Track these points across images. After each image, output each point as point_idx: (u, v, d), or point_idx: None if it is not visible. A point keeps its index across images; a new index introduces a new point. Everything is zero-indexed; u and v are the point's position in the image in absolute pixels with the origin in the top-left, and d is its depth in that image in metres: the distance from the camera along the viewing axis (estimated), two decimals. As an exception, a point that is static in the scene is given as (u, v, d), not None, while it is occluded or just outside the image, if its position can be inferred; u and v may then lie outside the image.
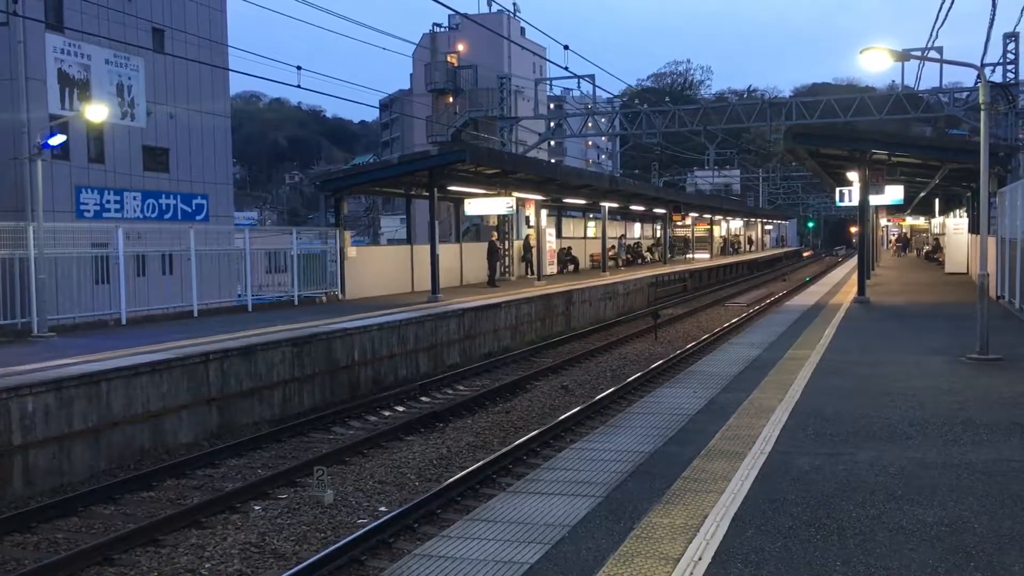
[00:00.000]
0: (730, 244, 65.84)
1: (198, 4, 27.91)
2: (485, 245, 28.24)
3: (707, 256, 54.60)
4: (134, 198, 25.49)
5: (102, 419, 10.61)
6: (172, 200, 26.90)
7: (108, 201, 24.61)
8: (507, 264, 31.11)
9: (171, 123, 27.08)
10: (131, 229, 19.40)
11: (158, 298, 18.57)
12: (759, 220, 77.10)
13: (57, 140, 15.51)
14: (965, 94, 33.05)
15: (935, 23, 62.26)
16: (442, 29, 69.46)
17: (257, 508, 9.13)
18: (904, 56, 15.13)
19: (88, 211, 23.84)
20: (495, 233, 29.54)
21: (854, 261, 43.12)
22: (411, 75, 73.74)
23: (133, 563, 7.69)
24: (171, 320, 17.39)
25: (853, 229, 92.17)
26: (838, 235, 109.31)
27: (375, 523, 8.13)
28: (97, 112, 17.25)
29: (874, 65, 14.02)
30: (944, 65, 32.48)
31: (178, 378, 11.76)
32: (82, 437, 10.34)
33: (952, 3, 29.05)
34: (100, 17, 23.72)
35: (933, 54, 27.78)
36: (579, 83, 41.29)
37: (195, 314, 17.97)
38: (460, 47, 64.53)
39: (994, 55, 65.38)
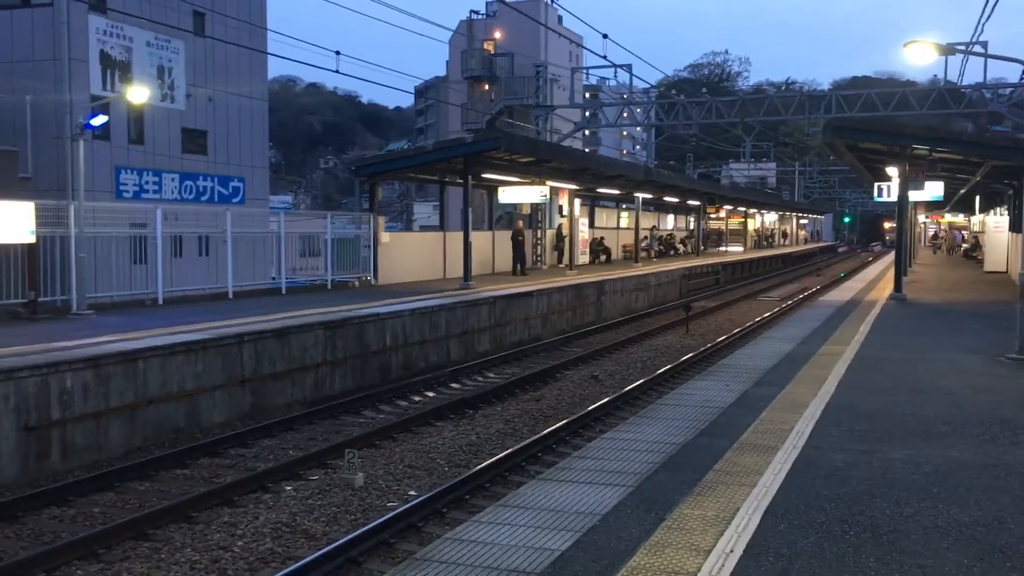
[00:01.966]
0: (764, 238, 65.27)
1: (238, -12, 28.07)
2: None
3: (741, 249, 54.19)
4: (172, 180, 25.76)
5: (138, 397, 10.77)
6: (209, 182, 27.14)
7: (147, 182, 24.89)
8: (539, 253, 31.08)
9: (210, 106, 27.29)
10: (169, 210, 19.61)
11: (194, 279, 18.78)
12: (794, 214, 76.35)
13: (99, 121, 15.69)
14: (1009, 90, 32.43)
15: (981, 16, 60.91)
16: (479, 16, 69.34)
17: (289, 488, 9.23)
18: (948, 50, 14.91)
19: (127, 191, 24.13)
20: (520, 222, 29.44)
21: (889, 257, 42.63)
22: (447, 62, 73.73)
23: (167, 539, 7.80)
24: (206, 301, 17.58)
25: (887, 225, 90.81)
26: (874, 231, 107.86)
27: (405, 506, 8.19)
28: (138, 94, 17.45)
29: (918, 59, 13.83)
30: (989, 59, 31.85)
31: (213, 358, 11.90)
32: (119, 414, 10.51)
33: (999, -4, 28.47)
34: (142, -1, 23.96)
35: (978, 48, 27.24)
36: (616, 72, 40.98)
37: (230, 296, 18.16)
38: (497, 34, 64.37)
39: (1040, 50, 64.03)
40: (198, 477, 9.73)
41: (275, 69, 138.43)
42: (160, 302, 16.68)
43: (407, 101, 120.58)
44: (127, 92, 17.37)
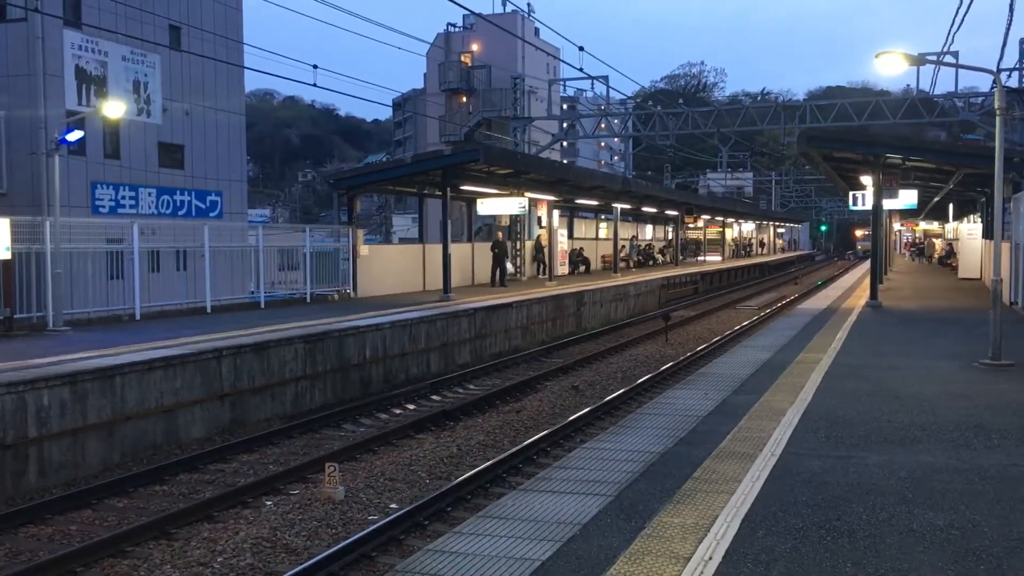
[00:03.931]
0: (742, 247, 65.70)
1: (215, 1, 28.04)
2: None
3: (719, 258, 54.49)
4: (149, 194, 25.63)
5: (116, 413, 10.70)
6: (187, 197, 27.03)
7: (123, 197, 24.75)
8: (519, 264, 31.14)
9: (186, 120, 27.21)
10: (146, 225, 19.51)
11: (172, 294, 18.68)
12: (771, 223, 76.91)
13: (74, 136, 15.61)
14: (980, 99, 32.91)
15: (951, 27, 61.95)
16: (456, 29, 69.51)
17: (269, 503, 9.19)
18: (919, 60, 15.10)
19: (103, 207, 23.98)
20: (500, 233, 29.47)
21: (865, 266, 42.99)
22: (425, 74, 73.81)
23: (146, 556, 7.75)
24: (184, 316, 17.49)
25: (858, 233, 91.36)
26: (851, 239, 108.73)
27: (386, 520, 8.18)
28: (114, 108, 17.37)
29: (889, 69, 14.01)
30: (960, 70, 32.38)
31: (191, 373, 11.84)
32: (96, 430, 10.43)
33: (968, 8, 28.91)
34: (118, 14, 23.85)
35: (949, 58, 27.64)
36: (593, 84, 41.31)
37: (208, 310, 18.07)
38: (474, 47, 64.57)
39: (1010, 60, 65.06)
40: (177, 493, 9.67)
41: (252, 83, 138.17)
42: (138, 317, 16.58)
43: (385, 114, 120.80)
44: (103, 107, 17.30)
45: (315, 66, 21.90)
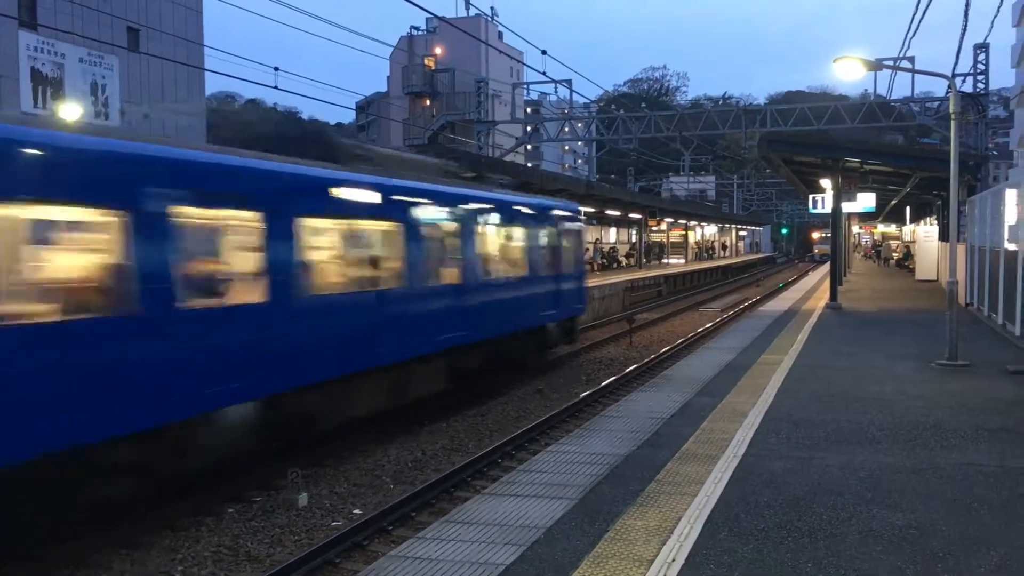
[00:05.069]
0: (705, 250, 66.30)
1: (174, 3, 27.75)
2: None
3: (682, 261, 54.93)
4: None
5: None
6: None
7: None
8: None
9: (145, 123, 26.87)
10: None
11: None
12: (733, 226, 77.71)
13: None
14: (936, 104, 33.51)
15: (907, 33, 63.05)
16: (420, 32, 69.41)
17: (231, 511, 9.08)
18: (876, 66, 15.37)
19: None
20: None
21: (825, 268, 43.58)
22: (388, 78, 73.62)
23: (106, 565, 7.62)
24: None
25: (815, 235, 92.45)
26: (810, 242, 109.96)
27: (350, 526, 8.13)
28: (71, 111, 17.12)
29: (847, 74, 14.23)
30: (916, 74, 32.96)
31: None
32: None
33: (924, 14, 29.45)
34: (75, 15, 23.52)
35: (905, 64, 28.15)
36: (556, 88, 41.54)
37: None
38: (437, 50, 64.53)
39: (965, 65, 66.35)
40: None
41: (213, 85, 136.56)
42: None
43: (348, 117, 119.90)
44: (59, 109, 17.04)
45: (276, 69, 21.75)
